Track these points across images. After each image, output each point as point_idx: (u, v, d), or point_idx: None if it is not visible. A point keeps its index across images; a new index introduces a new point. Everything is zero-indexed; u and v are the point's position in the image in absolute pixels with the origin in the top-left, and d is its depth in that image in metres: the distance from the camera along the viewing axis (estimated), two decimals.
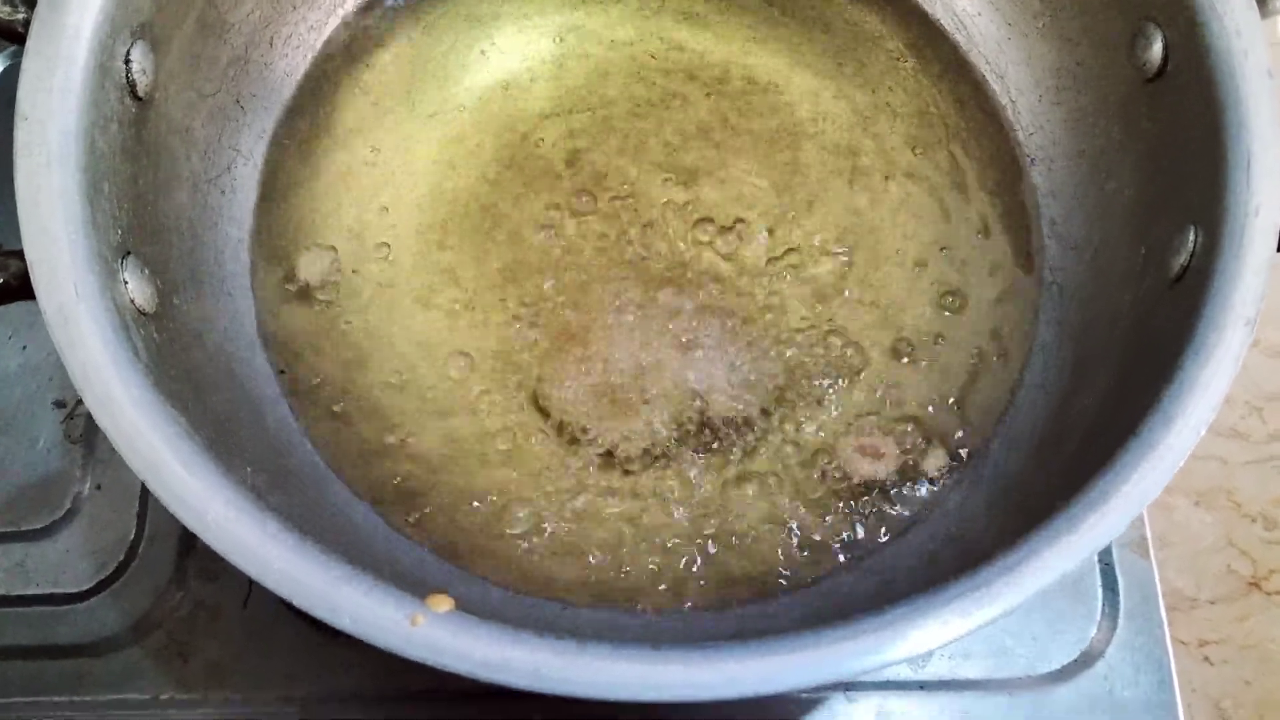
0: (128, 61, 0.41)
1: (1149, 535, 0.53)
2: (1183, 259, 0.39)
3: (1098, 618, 0.51)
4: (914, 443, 0.47)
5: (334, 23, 0.53)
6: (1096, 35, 0.47)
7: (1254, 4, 0.40)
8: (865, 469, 0.47)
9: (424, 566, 0.44)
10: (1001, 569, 0.34)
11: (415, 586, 0.34)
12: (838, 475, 0.47)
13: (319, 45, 0.52)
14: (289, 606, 0.49)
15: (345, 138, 0.51)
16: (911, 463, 0.47)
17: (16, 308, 0.55)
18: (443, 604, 0.33)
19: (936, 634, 0.33)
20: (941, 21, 0.53)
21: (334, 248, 0.50)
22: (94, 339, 0.35)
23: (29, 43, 0.38)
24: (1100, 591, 0.51)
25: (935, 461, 0.47)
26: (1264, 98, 0.38)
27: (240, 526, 0.33)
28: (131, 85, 0.41)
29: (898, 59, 0.53)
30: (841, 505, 0.46)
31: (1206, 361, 0.35)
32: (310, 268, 0.49)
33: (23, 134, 0.37)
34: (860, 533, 0.46)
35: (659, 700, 0.32)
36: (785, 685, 0.32)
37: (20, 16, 0.40)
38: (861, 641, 0.33)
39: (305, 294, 0.49)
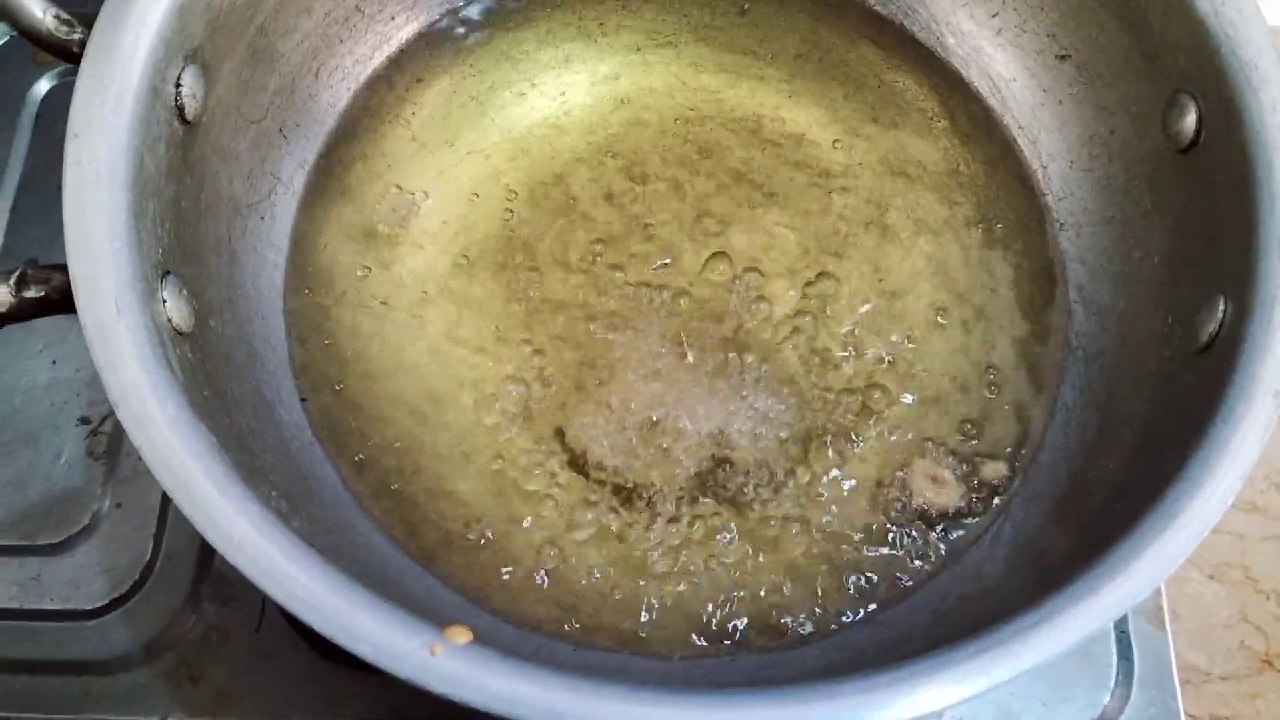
0: (179, 85, 0.42)
1: (1165, 606, 0.53)
2: (1211, 328, 0.40)
3: (1111, 686, 0.50)
4: (930, 498, 0.47)
5: (379, 57, 0.54)
6: (1130, 105, 0.47)
7: None
8: (881, 518, 0.47)
9: (436, 599, 0.44)
10: (1022, 628, 0.34)
11: (429, 617, 0.34)
12: (855, 525, 0.46)
13: (363, 78, 0.53)
14: (300, 633, 0.50)
15: (384, 171, 0.52)
16: (932, 512, 0.47)
17: (48, 322, 0.56)
18: (461, 636, 0.33)
19: (953, 691, 0.33)
20: (976, 85, 0.54)
21: (366, 278, 0.50)
22: (132, 356, 0.35)
23: (84, 63, 0.39)
24: (1115, 660, 0.51)
25: (953, 508, 0.47)
26: None
27: (266, 548, 0.33)
28: (181, 108, 0.42)
29: (931, 118, 0.54)
30: (858, 557, 0.46)
31: (1235, 431, 0.35)
32: (342, 297, 0.50)
33: (73, 150, 0.38)
34: (877, 586, 0.45)
35: None
36: None
37: (76, 37, 0.41)
38: (877, 695, 0.33)
39: (334, 322, 0.49)
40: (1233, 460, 0.35)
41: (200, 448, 0.34)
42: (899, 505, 0.47)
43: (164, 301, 0.39)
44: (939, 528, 0.47)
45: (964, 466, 0.48)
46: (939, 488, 0.47)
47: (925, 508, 0.47)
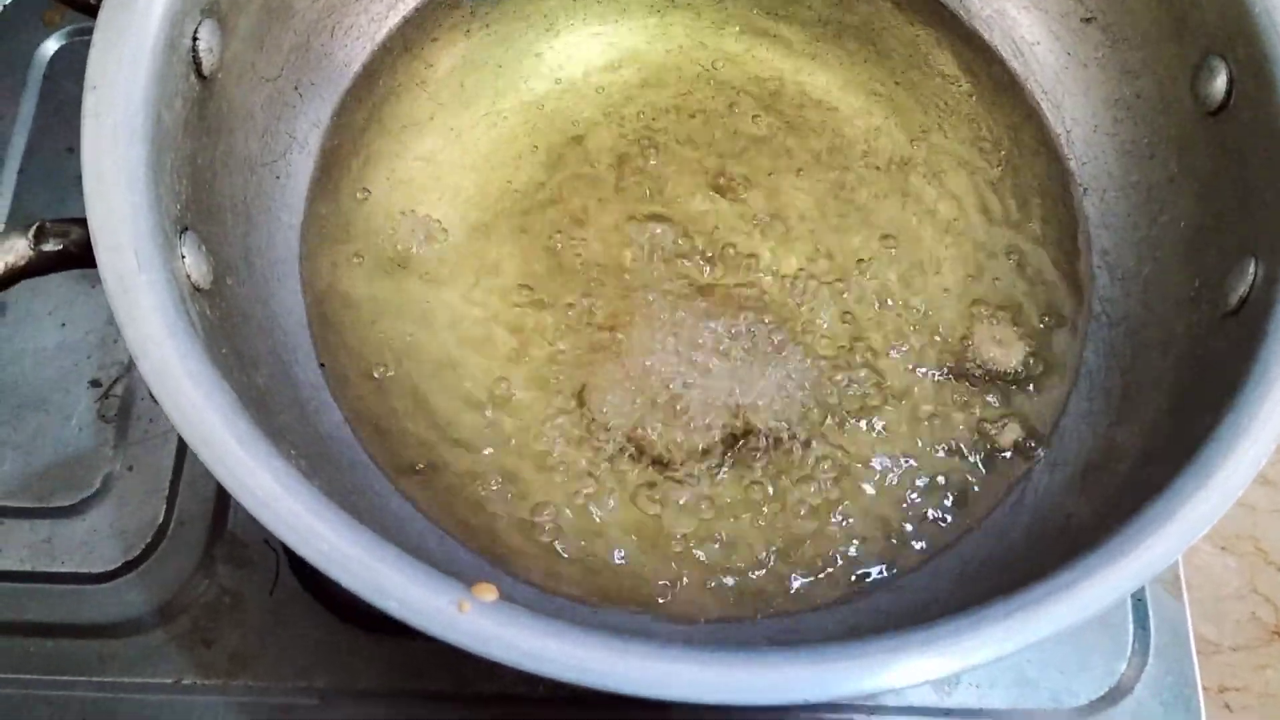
0: (195, 39, 0.41)
1: (1182, 576, 0.53)
2: (1242, 291, 0.39)
3: (1128, 654, 0.50)
4: (956, 469, 0.47)
5: (395, 17, 0.53)
6: (1158, 68, 0.47)
7: None
8: (903, 486, 0.46)
9: (456, 560, 0.44)
10: (1047, 592, 0.34)
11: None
12: (877, 490, 0.46)
13: (379, 37, 0.52)
14: (315, 596, 0.49)
15: (398, 132, 0.51)
16: (954, 487, 0.47)
17: (57, 284, 0.55)
18: (488, 593, 0.32)
19: (976, 654, 0.33)
20: (999, 48, 0.53)
21: (382, 240, 0.50)
22: (153, 309, 0.35)
23: (101, 15, 0.39)
24: (1131, 628, 0.51)
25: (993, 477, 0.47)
26: None
27: (291, 504, 0.33)
28: (197, 63, 0.41)
29: (953, 82, 0.53)
30: (879, 523, 0.46)
31: (1268, 393, 0.35)
32: (356, 259, 0.49)
33: (90, 102, 0.37)
34: (899, 552, 0.45)
35: (702, 701, 0.32)
36: (832, 693, 0.32)
37: None
38: (900, 655, 0.33)
39: (351, 285, 0.49)
40: (1265, 422, 0.35)
41: (222, 402, 0.34)
42: (923, 475, 0.47)
43: (183, 257, 0.38)
44: (966, 495, 0.46)
45: (988, 433, 0.47)
46: (961, 460, 0.47)
47: (950, 472, 0.47)
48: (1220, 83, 0.43)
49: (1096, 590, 0.34)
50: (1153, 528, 0.34)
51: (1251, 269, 0.39)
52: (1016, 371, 0.49)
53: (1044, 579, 0.34)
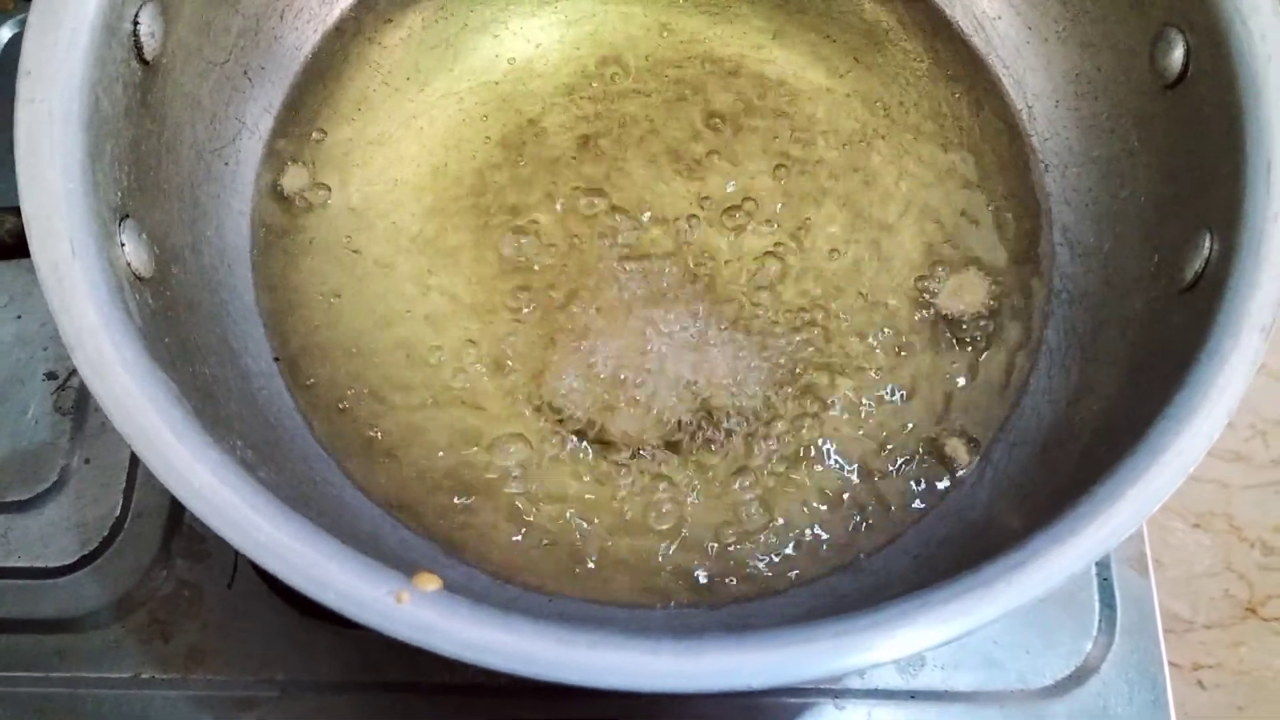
0: (136, 24, 0.40)
1: (1149, 552, 0.52)
2: (1197, 265, 0.39)
3: (1094, 633, 0.50)
4: (916, 448, 0.47)
5: None
6: (1117, 40, 0.46)
7: (1279, 10, 0.39)
8: (858, 466, 0.46)
9: (410, 549, 0.43)
10: (1003, 569, 0.33)
11: (401, 568, 0.33)
12: (836, 471, 0.46)
13: (331, 20, 0.52)
14: (273, 589, 0.49)
15: (352, 115, 0.51)
16: (916, 464, 0.46)
17: (12, 275, 0.55)
18: (430, 583, 0.32)
19: (934, 633, 0.32)
20: (960, 23, 0.53)
21: (336, 226, 0.49)
22: (88, 299, 0.34)
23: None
24: (1097, 606, 0.50)
25: (943, 447, 0.46)
26: None
27: (227, 495, 0.32)
28: (139, 48, 0.41)
29: (914, 59, 0.53)
30: (837, 504, 0.45)
31: (1221, 368, 0.35)
32: (310, 245, 0.48)
33: (25, 88, 0.36)
34: (857, 533, 0.45)
35: (648, 690, 0.31)
36: (780, 679, 0.32)
37: None
38: (855, 638, 0.32)
39: (304, 271, 0.48)
40: (1219, 396, 0.34)
41: (158, 393, 0.33)
42: (877, 454, 0.46)
43: (122, 245, 0.38)
44: (923, 475, 0.46)
45: (948, 412, 0.47)
46: (919, 440, 0.47)
47: (907, 451, 0.46)
48: (1177, 55, 0.42)
49: (1053, 566, 0.33)
50: (1104, 505, 0.33)
51: (1206, 243, 0.39)
52: (977, 348, 0.48)
53: (999, 556, 0.34)
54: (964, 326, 0.48)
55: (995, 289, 0.49)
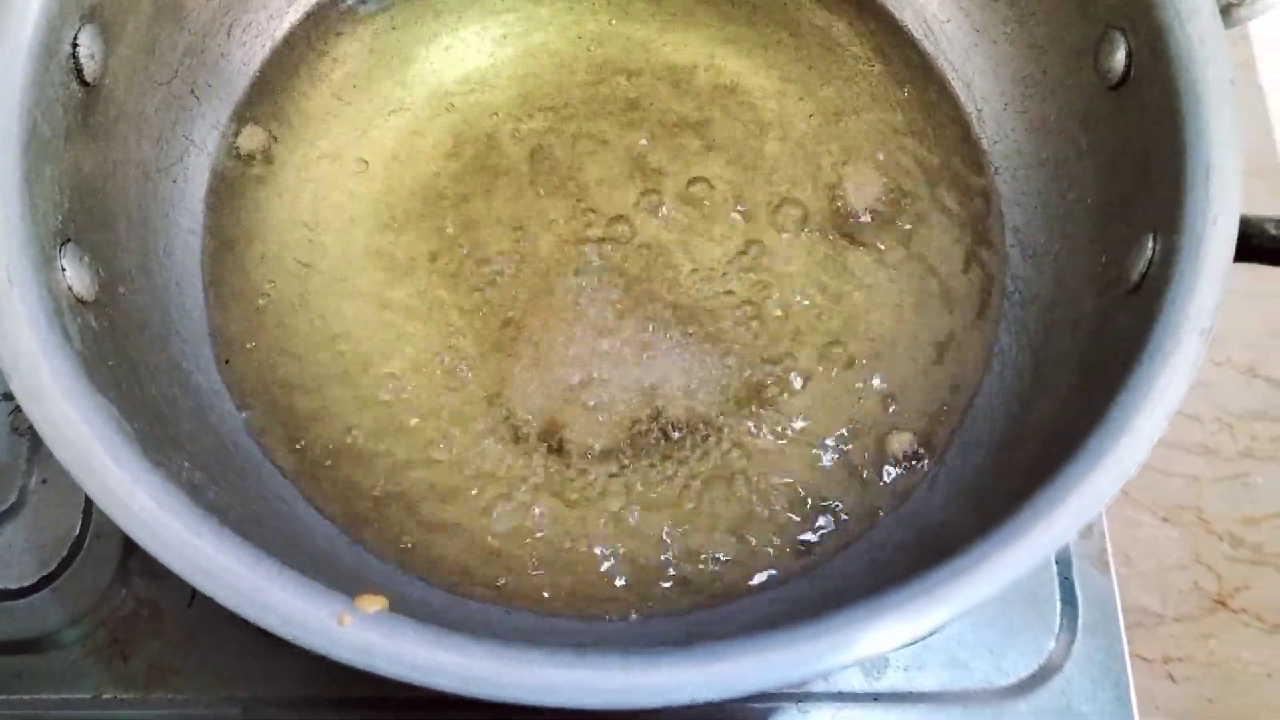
0: (75, 45, 0.40)
1: (1109, 549, 0.53)
2: (1141, 266, 0.39)
3: (1056, 631, 0.50)
4: (868, 451, 0.47)
5: (295, 13, 0.52)
6: (1062, 42, 0.47)
7: (1217, 13, 0.39)
8: (814, 471, 0.46)
9: (366, 567, 0.43)
10: (953, 572, 0.33)
11: (356, 586, 0.33)
12: (791, 476, 0.46)
13: (279, 34, 0.51)
14: None
15: (302, 130, 0.51)
16: (869, 467, 0.46)
17: None
18: (373, 604, 0.32)
19: (886, 638, 0.33)
20: (910, 28, 0.53)
21: (288, 241, 0.49)
22: (25, 325, 0.34)
23: None
24: (1059, 605, 0.51)
25: (898, 451, 0.46)
26: (1225, 107, 0.38)
27: (167, 520, 0.32)
28: (79, 70, 0.40)
29: (864, 64, 0.53)
30: (795, 512, 0.45)
31: (1160, 371, 0.35)
32: (263, 262, 0.48)
33: None
34: (814, 538, 0.45)
35: (594, 707, 0.31)
36: (729, 692, 0.32)
37: None
38: (809, 646, 0.32)
39: (256, 287, 0.48)
40: (1160, 398, 0.34)
41: (97, 418, 0.33)
42: (832, 459, 0.46)
43: (63, 270, 0.37)
44: (879, 479, 0.46)
45: (901, 414, 0.47)
46: (874, 444, 0.47)
47: (863, 456, 0.46)
48: (1120, 56, 0.43)
49: (1001, 568, 0.34)
50: (1047, 510, 0.34)
51: (1150, 244, 0.39)
52: (937, 351, 0.48)
53: (950, 559, 0.34)
54: (919, 330, 0.48)
55: (951, 292, 0.49)
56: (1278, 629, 0.62)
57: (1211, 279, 0.36)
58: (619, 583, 0.44)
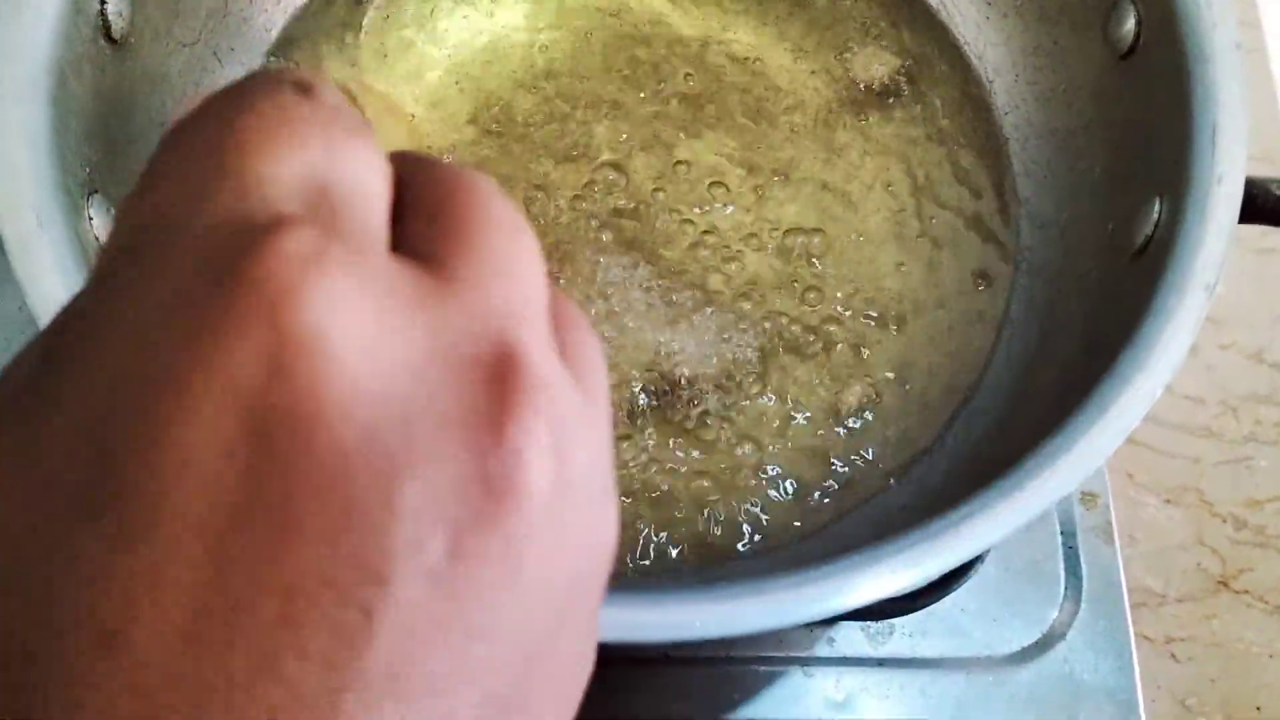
0: (103, 2, 0.41)
1: (1114, 522, 0.53)
2: (1147, 230, 0.40)
3: (1059, 601, 0.51)
4: (879, 414, 0.47)
5: None
6: (1073, 13, 0.47)
7: None
8: (826, 438, 0.47)
9: None
10: (949, 523, 0.34)
11: None
12: (803, 444, 0.47)
13: (299, 1, 0.52)
14: None
15: None
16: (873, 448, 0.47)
17: None
18: None
19: (884, 584, 0.33)
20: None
21: None
22: (55, 269, 0.35)
23: None
24: (1063, 575, 0.51)
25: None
26: (1231, 69, 0.38)
27: None
28: (106, 27, 0.41)
29: (877, 36, 0.53)
30: (801, 474, 0.46)
31: (1165, 325, 0.35)
32: None
33: None
34: (818, 503, 0.46)
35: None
36: (736, 629, 0.32)
37: None
38: (808, 589, 0.33)
39: None
40: (1163, 352, 0.35)
41: None
42: (843, 424, 0.47)
43: (90, 219, 0.38)
44: (885, 454, 0.47)
45: (913, 382, 0.48)
46: (882, 406, 0.47)
47: (870, 429, 0.47)
48: (1129, 25, 0.43)
49: (997, 519, 0.34)
50: (1049, 462, 0.34)
51: (1156, 208, 0.40)
52: (948, 323, 0.49)
53: (947, 511, 0.35)
54: (929, 301, 0.49)
55: (963, 262, 0.50)
56: None
57: (1217, 235, 0.36)
58: (622, 546, 0.45)
